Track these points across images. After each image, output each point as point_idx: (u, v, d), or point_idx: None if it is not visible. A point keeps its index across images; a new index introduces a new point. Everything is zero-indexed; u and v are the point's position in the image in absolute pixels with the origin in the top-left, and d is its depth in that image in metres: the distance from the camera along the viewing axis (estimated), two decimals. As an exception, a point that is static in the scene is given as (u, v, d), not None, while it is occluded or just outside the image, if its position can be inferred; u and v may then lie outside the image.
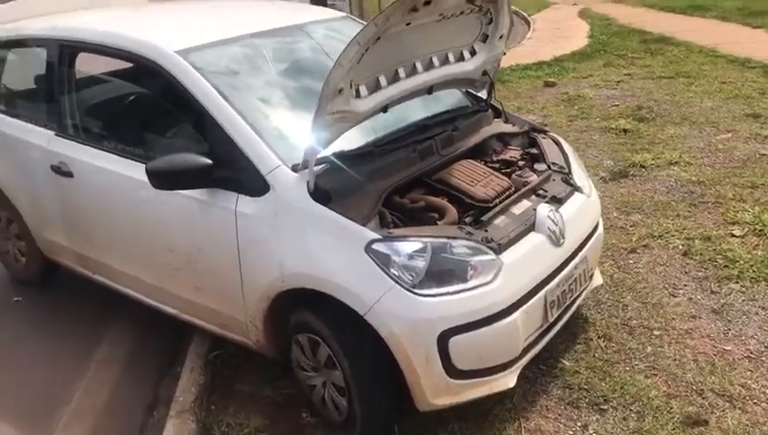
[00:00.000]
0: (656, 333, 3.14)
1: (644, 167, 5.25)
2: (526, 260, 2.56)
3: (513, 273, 2.48)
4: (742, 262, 3.64)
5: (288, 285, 2.54)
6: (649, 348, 3.02)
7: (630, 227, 4.24)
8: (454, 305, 2.36)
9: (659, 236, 4.05)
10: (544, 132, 3.40)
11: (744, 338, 3.05)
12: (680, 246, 3.90)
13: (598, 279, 3.24)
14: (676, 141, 5.84)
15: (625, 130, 6.25)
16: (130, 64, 3.15)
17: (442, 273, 2.39)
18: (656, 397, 2.69)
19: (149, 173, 2.58)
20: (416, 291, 2.33)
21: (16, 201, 3.63)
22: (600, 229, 3.15)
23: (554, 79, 8.79)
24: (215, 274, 2.79)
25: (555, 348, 3.02)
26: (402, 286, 2.32)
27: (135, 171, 2.88)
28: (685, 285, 3.52)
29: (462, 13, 2.82)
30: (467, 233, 2.50)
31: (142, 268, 3.13)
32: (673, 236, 4.04)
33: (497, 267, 2.44)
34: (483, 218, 2.60)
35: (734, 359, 2.92)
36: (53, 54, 3.30)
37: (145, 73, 3.03)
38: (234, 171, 2.61)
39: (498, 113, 3.47)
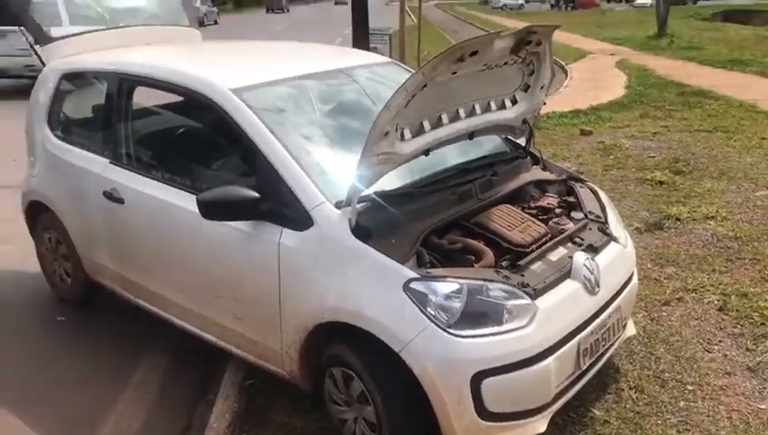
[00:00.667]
0: (689, 387, 3.12)
1: (680, 220, 5.24)
2: (561, 307, 2.59)
3: (547, 318, 2.51)
4: (778, 320, 3.61)
5: (326, 317, 2.60)
6: (682, 402, 3.00)
7: (665, 279, 4.23)
8: (488, 347, 2.40)
9: (694, 290, 4.03)
10: (582, 181, 3.45)
11: (779, 398, 3.02)
12: (715, 301, 3.88)
13: (631, 329, 3.24)
14: (714, 196, 5.82)
15: (661, 182, 6.25)
16: (182, 98, 3.31)
17: (477, 315, 2.44)
18: (688, 452, 2.68)
19: (200, 203, 2.70)
20: (451, 331, 2.37)
21: (67, 223, 3.78)
22: (635, 280, 3.17)
23: (590, 128, 8.85)
24: (254, 303, 2.87)
25: (586, 396, 3.02)
26: (438, 326, 2.37)
27: (183, 201, 3.01)
28: (720, 341, 3.49)
29: (506, 63, 2.92)
30: (504, 277, 2.55)
31: (184, 294, 3.23)
32: (708, 290, 4.03)
33: (532, 312, 2.48)
34: (519, 263, 2.65)
35: (769, 418, 2.89)
36: (113, 87, 3.49)
37: (198, 108, 3.18)
38: (279, 205, 2.71)
39: (536, 160, 3.53)
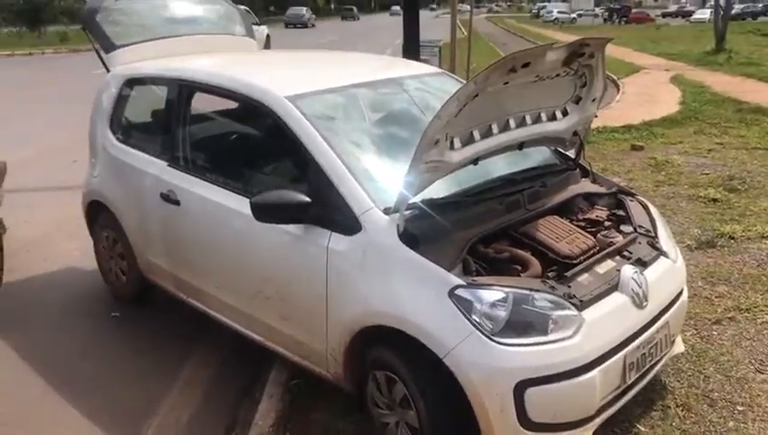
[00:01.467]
0: (739, 408, 3.05)
1: (733, 238, 5.12)
2: (608, 319, 2.58)
3: (593, 330, 2.50)
4: (835, 343, 3.50)
5: (371, 321, 2.65)
6: (731, 423, 2.94)
7: (716, 298, 4.14)
8: (532, 357, 2.40)
9: (747, 310, 3.94)
10: (632, 195, 3.42)
11: (834, 422, 2.93)
12: (769, 322, 3.79)
13: (679, 346, 3.19)
14: (769, 215, 5.67)
15: (714, 200, 6.12)
16: (238, 105, 3.42)
17: (522, 324, 2.44)
18: (735, 474, 2.62)
19: (253, 206, 2.78)
20: (495, 339, 2.39)
21: (124, 223, 3.93)
22: (685, 296, 3.12)
23: (642, 143, 8.72)
24: (302, 305, 2.93)
25: (631, 412, 2.98)
26: (482, 333, 2.39)
27: (237, 204, 3.10)
28: (773, 362, 3.41)
29: (558, 75, 2.93)
30: (550, 287, 2.55)
31: (234, 295, 3.32)
32: (762, 310, 3.93)
33: (578, 323, 2.48)
34: (566, 274, 2.64)
35: (823, 443, 2.80)
36: (173, 92, 3.63)
37: (254, 114, 3.27)
38: (329, 210, 2.78)
39: (586, 173, 3.51)
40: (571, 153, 3.53)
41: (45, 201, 6.19)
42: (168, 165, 3.59)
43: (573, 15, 56.36)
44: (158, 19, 4.43)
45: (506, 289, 2.48)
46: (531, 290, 2.50)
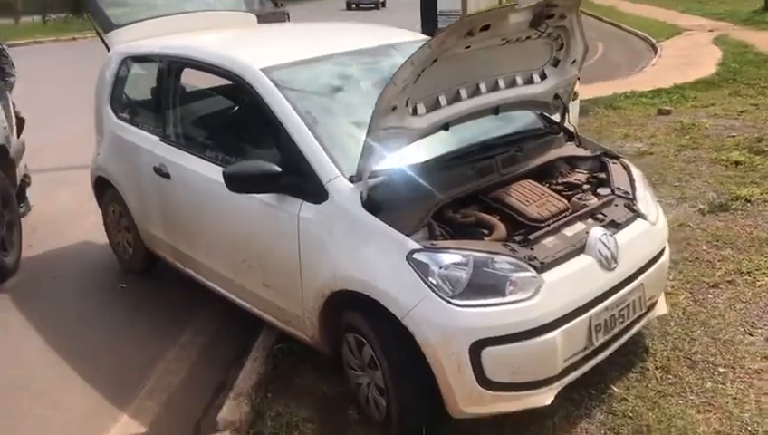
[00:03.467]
0: (720, 369, 3.02)
1: (749, 201, 4.97)
2: (570, 281, 2.58)
3: (554, 292, 2.51)
4: (833, 306, 3.41)
5: (339, 286, 2.72)
6: (709, 384, 2.92)
7: (718, 261, 4.06)
8: (489, 317, 2.43)
9: (748, 273, 3.86)
10: (616, 158, 3.37)
11: (817, 384, 2.87)
12: (768, 285, 3.71)
13: (661, 308, 3.16)
14: (794, 177, 5.48)
15: (737, 163, 5.93)
16: (226, 80, 3.49)
17: (481, 286, 2.47)
18: (704, 433, 2.62)
19: (225, 176, 2.87)
20: (451, 301, 2.43)
21: (126, 197, 4.09)
22: (665, 258, 3.09)
23: (670, 107, 8.48)
24: (279, 272, 3.02)
25: (608, 374, 2.98)
26: (438, 295, 2.43)
27: (219, 175, 3.18)
28: (765, 325, 3.35)
29: (528, 38, 2.90)
30: (511, 250, 2.56)
31: (222, 264, 3.44)
32: (763, 273, 3.84)
33: (537, 285, 2.49)
34: (530, 237, 2.65)
35: (802, 404, 2.76)
36: (164, 69, 3.73)
37: (235, 88, 3.35)
38: (299, 179, 2.84)
39: (571, 137, 3.48)
40: (557, 117, 3.49)
41: (71, 178, 6.43)
42: (160, 139, 3.71)
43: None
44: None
45: (465, 252, 2.51)
46: (490, 253, 2.53)
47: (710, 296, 3.66)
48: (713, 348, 3.18)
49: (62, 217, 5.57)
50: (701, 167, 5.99)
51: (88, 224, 5.13)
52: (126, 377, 3.35)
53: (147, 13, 4.42)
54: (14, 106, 5.48)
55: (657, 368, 3.04)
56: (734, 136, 6.90)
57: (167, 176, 3.59)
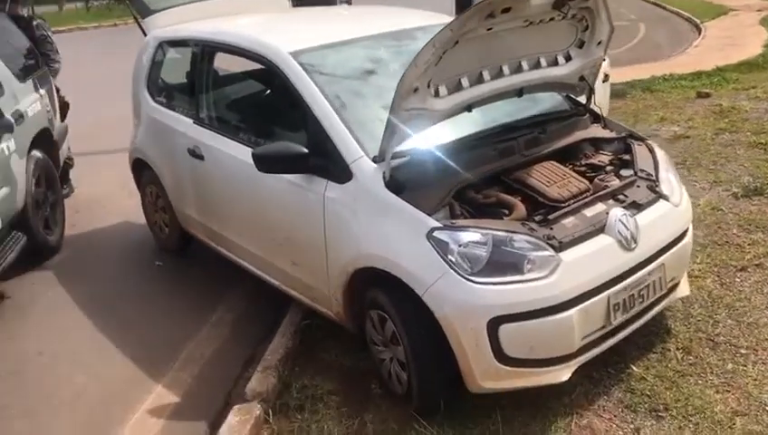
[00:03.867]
0: (742, 351, 3.02)
1: (786, 185, 4.89)
2: (589, 260, 2.62)
3: (571, 271, 2.56)
4: None
5: (362, 263, 2.80)
6: (730, 365, 2.93)
7: (748, 245, 4.02)
8: (506, 294, 2.50)
9: (778, 257, 3.82)
10: (642, 139, 3.37)
11: (841, 367, 2.86)
12: (798, 269, 3.67)
13: (684, 290, 3.17)
14: (833, 161, 5.36)
15: (776, 147, 5.82)
16: (257, 64, 3.59)
17: (500, 264, 2.53)
18: (721, 412, 2.63)
19: (255, 157, 2.98)
20: (470, 278, 2.49)
21: (163, 178, 4.23)
22: (688, 239, 3.09)
23: (710, 90, 8.29)
24: (306, 250, 3.12)
25: (628, 354, 3.02)
26: (457, 272, 2.50)
27: (249, 157, 3.28)
28: (791, 308, 3.32)
29: (552, 19, 2.92)
30: (530, 229, 2.61)
31: (254, 243, 3.56)
32: (794, 257, 3.80)
33: (555, 263, 2.54)
34: (550, 217, 2.69)
35: (824, 387, 2.75)
36: (197, 53, 3.85)
37: (265, 71, 3.45)
38: (325, 160, 2.93)
39: (597, 118, 3.48)
40: (583, 99, 3.50)
41: (113, 161, 6.65)
42: (194, 122, 3.83)
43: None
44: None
45: (484, 231, 2.57)
46: (508, 232, 2.58)
47: (737, 280, 3.64)
48: (736, 330, 3.17)
49: (103, 198, 5.78)
50: (738, 150, 5.88)
51: (128, 205, 5.31)
52: (161, 350, 3.50)
53: (180, -2, 4.54)
54: (58, 91, 5.70)
55: (678, 349, 3.06)
56: (774, 119, 6.75)
57: (200, 157, 3.72)
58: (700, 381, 2.83)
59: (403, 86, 2.55)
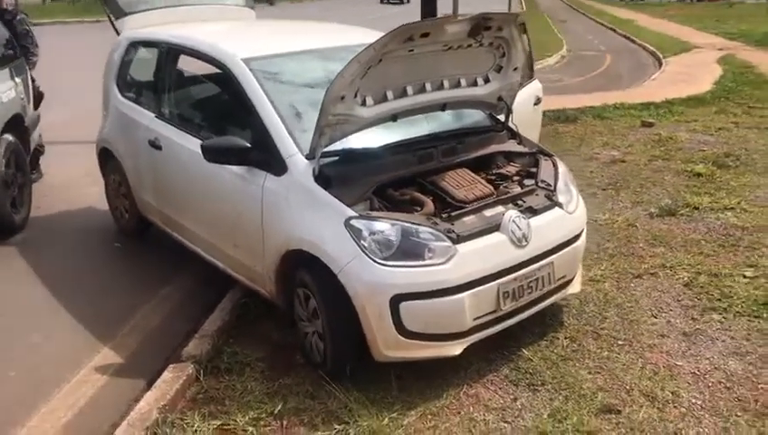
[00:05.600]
0: (619, 342, 3.48)
1: (697, 208, 5.41)
2: (481, 253, 3.06)
3: (465, 260, 2.99)
4: (735, 298, 3.86)
5: (292, 246, 3.21)
6: (606, 353, 3.38)
7: (649, 256, 4.51)
8: (407, 276, 2.93)
9: (670, 268, 4.31)
10: (549, 156, 3.83)
11: (699, 358, 3.33)
12: (685, 278, 4.15)
13: (575, 287, 3.63)
14: (745, 189, 5.90)
15: (699, 174, 6.36)
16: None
17: (405, 251, 2.96)
18: (587, 388, 3.08)
19: (203, 148, 3.38)
20: (378, 261, 2.92)
21: (125, 167, 4.61)
22: (579, 242, 3.55)
23: (654, 120, 8.88)
24: (246, 234, 3.51)
25: (522, 339, 3.46)
26: (368, 256, 2.92)
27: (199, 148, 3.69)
28: (670, 310, 3.80)
29: (470, 45, 3.37)
30: (433, 223, 3.05)
31: (201, 227, 3.95)
32: (684, 269, 4.29)
33: (451, 253, 2.97)
34: (452, 214, 3.13)
35: (680, 373, 3.21)
36: (161, 54, 4.25)
37: (221, 75, 3.85)
38: (265, 154, 3.34)
39: (514, 135, 3.94)
40: (502, 117, 3.95)
41: (81, 151, 6.98)
42: (155, 116, 4.22)
43: (644, -8, 54.46)
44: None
45: (393, 222, 3.00)
46: (414, 224, 3.01)
47: (632, 285, 4.12)
48: (619, 326, 3.64)
49: (70, 184, 6.13)
50: (666, 176, 6.42)
51: (93, 192, 5.66)
52: (112, 319, 3.86)
53: (158, 2, 4.93)
54: (33, 81, 6.04)
55: (566, 338, 3.51)
56: (704, 150, 7.32)
57: (159, 148, 4.10)
58: (577, 365, 3.28)
59: (330, 94, 2.97)
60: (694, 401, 3.01)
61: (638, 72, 15.40)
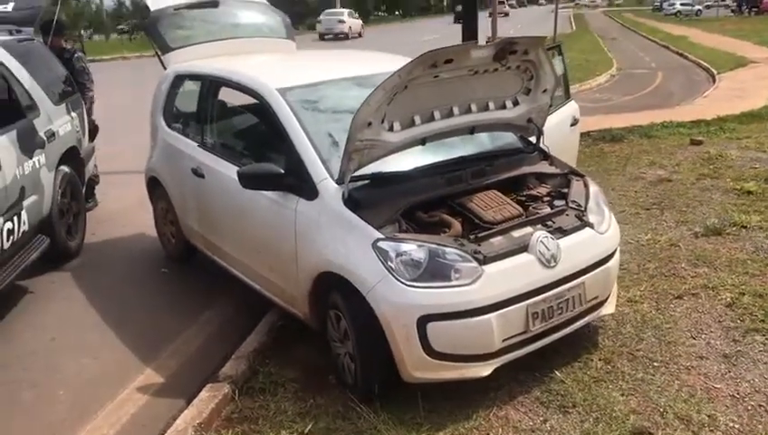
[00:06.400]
0: (655, 364, 3.42)
1: (745, 227, 5.26)
2: (509, 273, 3.08)
3: (492, 281, 3.02)
4: (780, 319, 3.75)
5: (323, 268, 3.30)
6: (641, 374, 3.33)
7: (691, 277, 4.41)
8: (434, 297, 2.97)
9: (712, 288, 4.21)
10: (581, 176, 3.83)
11: (738, 380, 3.24)
12: (728, 299, 4.05)
13: (609, 308, 3.59)
14: (798, 207, 5.71)
15: (749, 192, 6.18)
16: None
17: (432, 271, 3.01)
18: (619, 410, 3.04)
19: (239, 175, 3.52)
20: (405, 282, 2.97)
21: (171, 194, 4.82)
22: (612, 262, 3.51)
23: (703, 138, 8.68)
24: (281, 257, 3.62)
25: (554, 361, 3.44)
26: (395, 277, 2.98)
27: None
28: (711, 331, 3.71)
29: (496, 70, 3.43)
30: (460, 244, 3.09)
31: (240, 251, 4.08)
32: (727, 289, 4.18)
33: (478, 274, 3.00)
34: (480, 235, 3.16)
35: (718, 396, 3.14)
36: (204, 86, 4.45)
37: (257, 104, 4.00)
38: (298, 180, 3.45)
39: (546, 157, 3.95)
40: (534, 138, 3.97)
41: (135, 181, 7.31)
42: (198, 145, 4.41)
43: (698, 7, 53.38)
44: (210, 25, 5.28)
45: (420, 243, 3.05)
46: (440, 245, 3.06)
47: (672, 306, 4.04)
48: (656, 347, 3.57)
49: (123, 212, 6.41)
50: (714, 195, 6.27)
51: (145, 219, 5.89)
52: (155, 341, 4.02)
53: (202, 37, 5.17)
54: (89, 115, 6.38)
55: (600, 359, 3.47)
56: (756, 167, 7.11)
57: (201, 176, 4.28)
58: (610, 386, 3.24)
59: (357, 121, 3.06)
60: (731, 424, 2.93)
61: (690, 89, 15.10)
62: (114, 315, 4.40)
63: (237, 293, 4.42)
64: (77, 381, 3.67)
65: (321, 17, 38.08)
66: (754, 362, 3.38)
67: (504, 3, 57.76)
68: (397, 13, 63.04)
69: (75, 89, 6.08)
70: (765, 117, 10.09)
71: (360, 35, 37.49)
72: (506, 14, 54.32)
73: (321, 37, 35.92)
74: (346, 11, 39.11)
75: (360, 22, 39.73)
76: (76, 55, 6.49)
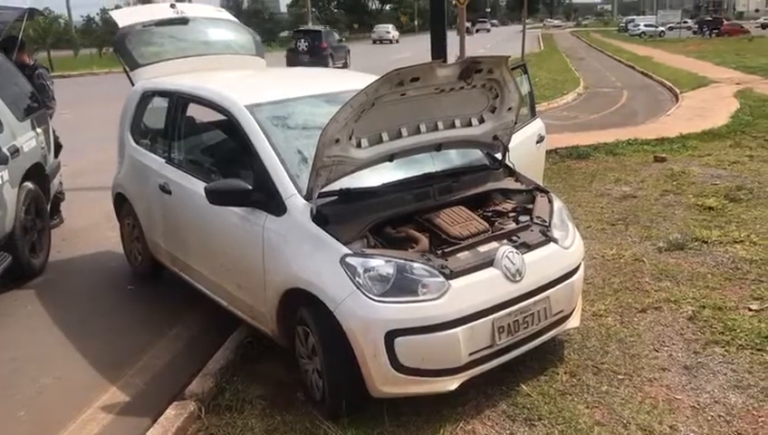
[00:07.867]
0: (619, 377, 3.48)
1: (706, 242, 5.39)
2: (475, 288, 3.11)
3: (459, 295, 3.05)
4: (738, 331, 3.84)
5: (291, 284, 3.30)
6: (605, 387, 3.38)
7: (654, 291, 4.50)
8: (401, 312, 2.98)
9: (675, 302, 4.30)
10: (546, 192, 3.90)
11: (699, 391, 3.32)
12: (689, 312, 4.14)
13: (574, 322, 3.64)
14: (756, 223, 5.86)
15: (710, 208, 6.34)
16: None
17: (399, 287, 3.03)
18: (584, 423, 3.08)
19: (206, 191, 3.51)
20: (372, 297, 2.98)
21: (138, 211, 4.77)
22: (576, 277, 3.57)
23: (667, 155, 8.89)
24: (249, 274, 3.61)
25: (521, 375, 3.48)
26: (362, 292, 2.99)
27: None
28: (673, 344, 3.79)
29: (462, 88, 3.49)
30: (427, 259, 3.12)
31: (207, 267, 4.06)
32: (689, 302, 4.28)
33: (444, 289, 3.03)
34: (446, 250, 3.20)
35: (680, 406, 3.20)
36: (171, 103, 4.44)
37: (225, 120, 4.01)
38: (265, 196, 3.45)
39: (511, 173, 4.02)
40: (499, 155, 4.04)
41: (100, 197, 7.22)
42: (165, 162, 4.39)
43: (661, 29, 54.78)
44: (179, 42, 5.27)
45: (387, 258, 3.08)
46: (407, 260, 3.08)
47: (635, 319, 4.12)
48: (620, 360, 3.64)
49: (90, 229, 6.34)
50: (676, 211, 6.41)
51: (111, 236, 5.85)
52: (120, 359, 3.96)
53: (172, 53, 5.16)
54: (53, 132, 6.31)
55: (565, 372, 3.52)
56: (717, 184, 7.29)
57: (169, 192, 4.26)
58: (576, 399, 3.28)
59: (324, 137, 3.09)
60: (691, 434, 2.99)
61: (654, 108, 15.43)
62: (78, 333, 4.33)
63: (205, 310, 4.39)
64: (38, 400, 3.59)
65: (375, 29, 57.75)
66: (714, 374, 3.46)
67: (485, 20, 77.55)
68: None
69: (41, 105, 6.01)
70: (725, 135, 10.35)
71: (397, 41, 53.67)
72: (488, 30, 72.30)
73: (374, 42, 53.15)
74: (390, 26, 58.92)
75: (397, 33, 57.64)
76: (37, 72, 6.43)
